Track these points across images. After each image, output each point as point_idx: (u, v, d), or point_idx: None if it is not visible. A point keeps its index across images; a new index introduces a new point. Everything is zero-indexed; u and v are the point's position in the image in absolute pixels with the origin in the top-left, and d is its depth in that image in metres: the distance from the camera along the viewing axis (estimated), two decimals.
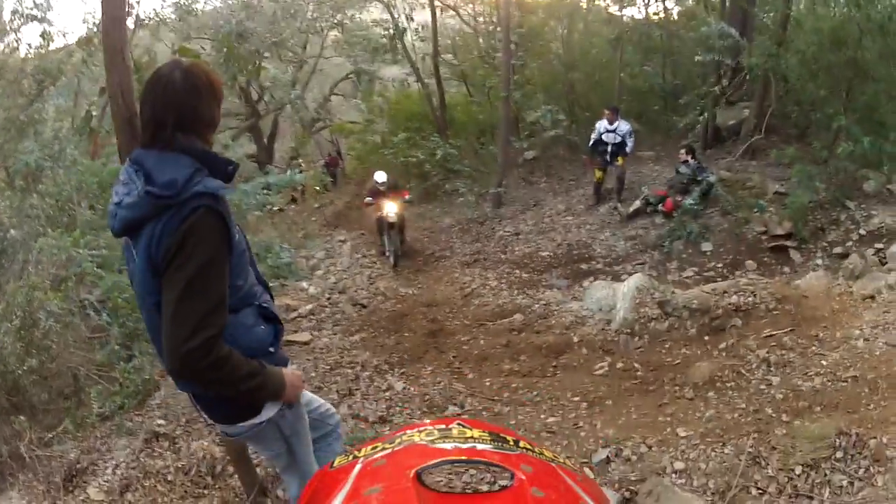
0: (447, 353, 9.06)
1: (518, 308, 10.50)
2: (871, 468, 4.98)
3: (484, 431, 1.73)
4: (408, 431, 1.78)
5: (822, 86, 13.47)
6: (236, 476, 5.08)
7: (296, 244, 11.22)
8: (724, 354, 7.80)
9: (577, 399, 7.46)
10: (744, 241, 12.49)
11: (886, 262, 9.87)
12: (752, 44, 15.19)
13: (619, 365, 8.06)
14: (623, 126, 14.90)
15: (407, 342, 8.41)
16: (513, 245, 14.45)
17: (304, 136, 27.34)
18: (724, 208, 13.22)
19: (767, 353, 7.43)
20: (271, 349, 2.85)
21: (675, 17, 20.46)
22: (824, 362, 7.02)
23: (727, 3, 16.92)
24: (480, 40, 23.31)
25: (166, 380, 6.34)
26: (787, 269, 11.27)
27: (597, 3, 22.24)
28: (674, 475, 5.35)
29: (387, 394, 6.94)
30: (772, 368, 7.16)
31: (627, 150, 15.01)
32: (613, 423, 6.57)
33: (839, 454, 5.15)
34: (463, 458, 1.66)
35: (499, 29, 20.51)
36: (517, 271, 13.14)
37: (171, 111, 2.53)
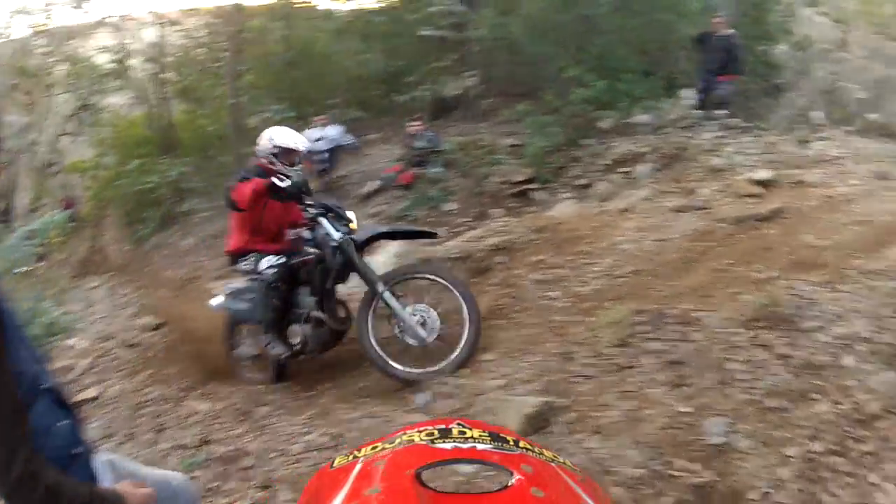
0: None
1: None
2: (682, 330, 5.35)
3: (484, 431, 1.71)
4: (408, 431, 1.74)
5: (552, 44, 14.21)
6: None
7: (56, 301, 10.38)
8: (498, 287, 7.85)
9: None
10: (486, 194, 12.90)
11: (636, 182, 10.62)
12: (479, 14, 15.72)
13: None
14: (335, 131, 15.29)
15: (191, 365, 8.03)
16: None
17: (41, 183, 25.03)
18: (461, 170, 13.67)
19: (541, 275, 7.68)
20: (76, 450, 2.16)
21: (397, 2, 20.54)
22: (598, 268, 7.45)
23: None
24: (204, 52, 22.48)
25: None
26: (534, 207, 11.72)
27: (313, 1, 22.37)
28: (497, 391, 5.39)
29: (195, 417, 6.66)
30: (549, 286, 7.39)
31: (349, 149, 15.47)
32: None
33: (645, 328, 5.47)
34: (463, 458, 1.62)
35: (220, 38, 19.97)
36: None
37: None
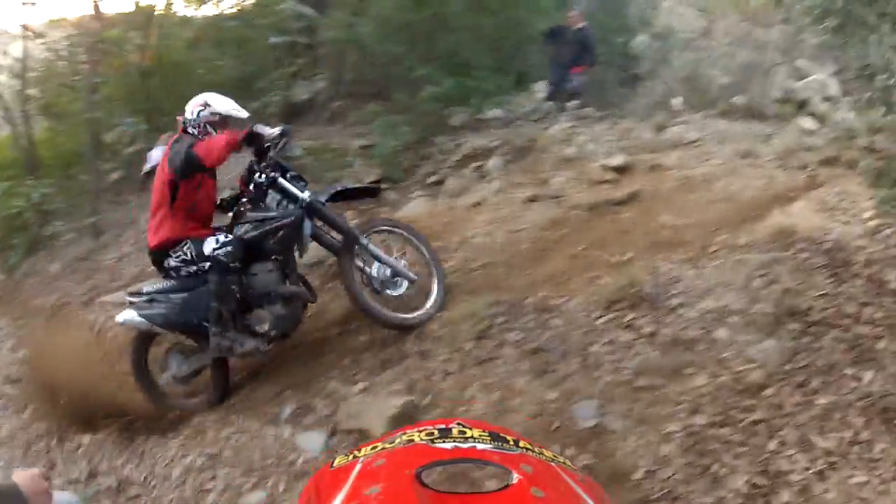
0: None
1: None
2: (541, 317, 5.47)
3: (484, 431, 1.68)
4: (408, 431, 1.72)
5: (401, 43, 14.01)
6: None
7: None
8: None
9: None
10: None
11: (487, 176, 10.37)
12: (329, 17, 15.44)
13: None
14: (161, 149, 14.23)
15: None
16: (121, 270, 13.72)
17: None
18: (312, 174, 12.99)
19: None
20: None
21: (250, 7, 20.17)
22: (451, 263, 7.22)
23: None
24: (64, 65, 21.55)
25: None
26: (386, 207, 11.42)
27: (172, 9, 21.53)
28: (360, 395, 5.43)
29: (83, 449, 6.40)
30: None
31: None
32: (281, 385, 6.21)
33: (502, 319, 5.53)
34: (463, 457, 1.59)
35: (79, 50, 19.24)
36: None
37: None
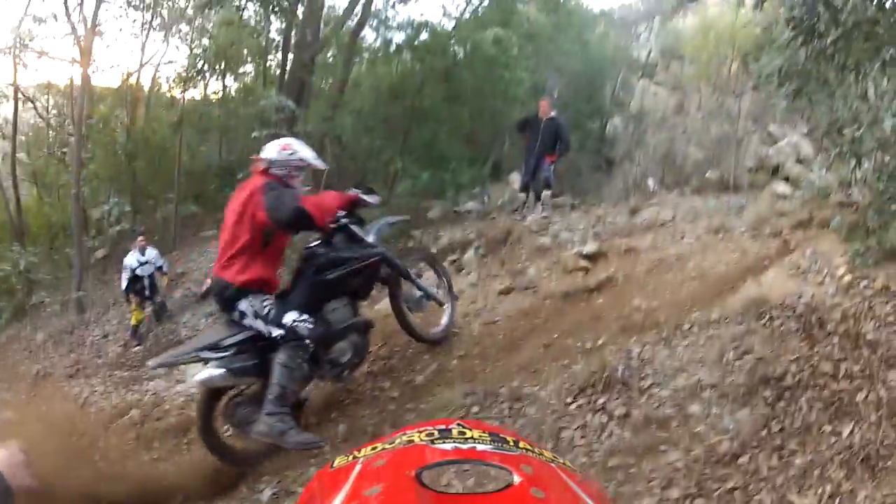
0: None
1: (131, 404, 9.79)
2: (515, 406, 5.49)
3: (484, 432, 1.62)
4: (407, 432, 1.64)
5: (379, 136, 14.49)
6: None
7: None
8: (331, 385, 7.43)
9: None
10: None
11: (464, 269, 10.55)
12: (308, 111, 15.69)
13: None
14: (152, 253, 14.53)
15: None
16: (106, 348, 14.33)
17: None
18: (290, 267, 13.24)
19: (371, 367, 7.44)
20: None
21: (234, 94, 20.37)
22: (427, 356, 7.31)
23: (286, 75, 17.29)
24: (52, 134, 21.68)
25: None
26: (364, 302, 11.41)
27: (160, 89, 21.83)
28: None
29: None
30: (380, 377, 7.22)
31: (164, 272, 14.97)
32: (261, 467, 6.08)
33: (475, 408, 5.56)
34: (463, 458, 1.52)
35: (68, 122, 19.48)
36: (117, 371, 12.88)
37: None
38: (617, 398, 5.15)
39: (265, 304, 5.62)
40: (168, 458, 7.53)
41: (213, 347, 5.68)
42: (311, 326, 5.64)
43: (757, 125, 18.65)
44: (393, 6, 16.03)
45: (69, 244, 18.46)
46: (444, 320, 7.27)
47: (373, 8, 15.68)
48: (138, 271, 14.09)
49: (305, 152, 6.00)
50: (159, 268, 14.68)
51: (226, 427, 6.16)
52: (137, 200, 19.26)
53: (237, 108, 19.21)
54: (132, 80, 19.92)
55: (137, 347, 14.29)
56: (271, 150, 5.92)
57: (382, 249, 6.30)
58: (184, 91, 19.97)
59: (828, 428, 4.52)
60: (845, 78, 6.64)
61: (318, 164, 6.15)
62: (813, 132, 15.85)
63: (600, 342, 6.32)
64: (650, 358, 5.59)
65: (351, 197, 5.98)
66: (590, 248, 9.45)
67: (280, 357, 5.53)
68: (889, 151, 6.42)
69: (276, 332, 5.56)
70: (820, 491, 4.04)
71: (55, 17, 17.39)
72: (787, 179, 14.52)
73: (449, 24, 15.96)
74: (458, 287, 8.98)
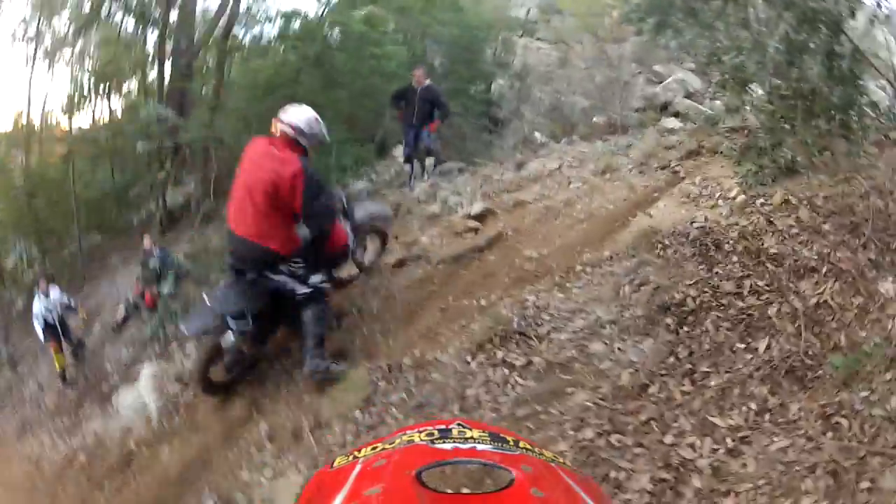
0: None
1: (77, 449, 9.77)
2: (419, 374, 5.56)
3: (484, 432, 1.58)
4: (408, 432, 1.59)
5: (258, 131, 14.01)
6: None
7: None
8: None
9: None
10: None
11: None
12: (189, 120, 15.60)
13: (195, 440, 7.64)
14: (55, 294, 13.99)
15: None
16: (44, 398, 13.89)
17: None
18: (197, 279, 13.13)
19: (276, 361, 7.61)
20: None
21: (119, 115, 20.02)
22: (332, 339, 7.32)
23: (165, 86, 17.11)
24: None
25: None
26: None
27: (50, 122, 21.44)
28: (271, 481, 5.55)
29: None
30: (283, 359, 7.46)
31: (74, 321, 14.41)
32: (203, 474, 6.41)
33: (382, 384, 5.65)
34: (463, 458, 1.46)
35: None
36: (58, 419, 12.31)
37: None
38: (517, 348, 5.15)
39: (300, 266, 6.34)
40: (117, 494, 7.64)
41: (239, 316, 6.44)
42: (329, 286, 6.76)
43: (642, 67, 19.04)
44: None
45: None
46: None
47: (242, 5, 15.68)
48: (45, 317, 13.55)
49: (325, 128, 6.48)
50: (68, 306, 14.14)
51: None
52: (43, 241, 18.94)
53: (122, 127, 18.83)
54: (23, 119, 19.50)
55: (70, 391, 13.70)
56: (300, 118, 6.20)
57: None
58: (70, 119, 19.65)
59: (740, 346, 4.61)
60: (725, 7, 6.68)
61: (327, 140, 6.70)
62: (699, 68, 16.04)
63: (494, 297, 6.39)
64: (545, 305, 5.59)
65: (350, 253, 7.16)
66: (477, 208, 9.43)
67: (310, 311, 6.44)
68: (779, 75, 6.45)
69: (303, 290, 6.39)
70: (745, 409, 4.11)
71: None
72: (676, 115, 14.68)
73: (321, 10, 15.90)
74: (352, 267, 8.84)
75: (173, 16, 17.30)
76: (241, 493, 5.54)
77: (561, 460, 1.59)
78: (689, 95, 16.67)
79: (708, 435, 3.97)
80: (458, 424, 1.63)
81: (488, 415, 4.67)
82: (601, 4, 21.85)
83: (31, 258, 17.34)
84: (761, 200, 6.04)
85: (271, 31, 15.89)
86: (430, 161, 13.05)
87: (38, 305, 13.56)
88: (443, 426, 1.62)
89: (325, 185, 6.36)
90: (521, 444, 1.58)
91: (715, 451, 3.86)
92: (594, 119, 15.41)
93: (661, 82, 17.33)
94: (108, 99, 19.76)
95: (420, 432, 1.58)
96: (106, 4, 17.13)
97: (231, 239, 6.43)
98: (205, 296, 7.07)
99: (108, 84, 18.65)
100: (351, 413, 5.48)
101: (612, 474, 3.85)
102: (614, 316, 5.14)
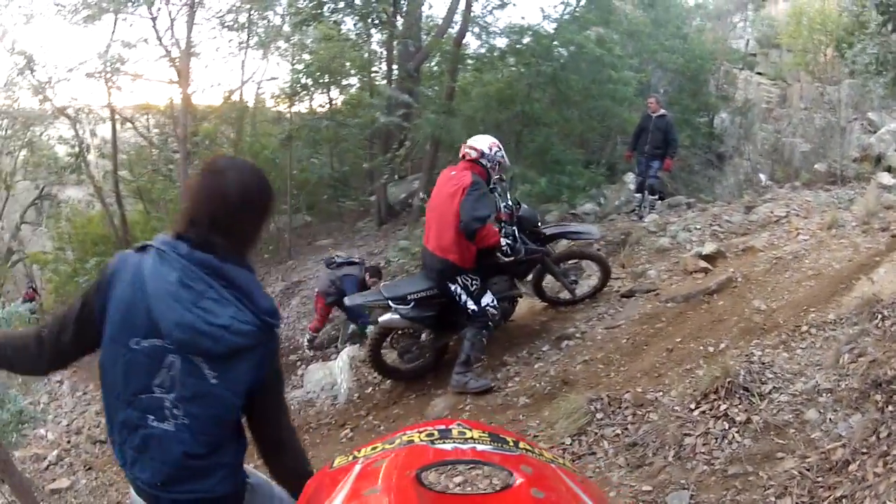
0: None
1: None
2: (638, 412, 5.42)
3: (484, 432, 1.71)
4: (408, 432, 1.74)
5: None
6: None
7: (21, 391, 10.03)
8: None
9: None
10: None
11: (584, 271, 10.08)
12: (422, 105, 16.04)
13: (364, 426, 7.87)
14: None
15: None
16: None
17: (2, 270, 24.79)
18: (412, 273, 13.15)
19: (496, 372, 7.67)
20: None
21: (341, 107, 20.48)
22: (554, 358, 7.56)
23: (393, 85, 17.39)
24: (156, 152, 22.13)
25: None
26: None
27: (264, 104, 22.23)
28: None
29: None
30: (506, 382, 7.42)
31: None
32: None
33: (599, 415, 5.51)
34: (463, 458, 1.65)
35: (171, 140, 19.76)
36: None
37: (249, 220, 2.46)
38: (739, 404, 5.02)
39: (474, 282, 7.03)
40: None
41: (400, 299, 7.22)
42: (497, 312, 7.19)
43: (857, 112, 18.15)
44: (491, 12, 16.03)
45: None
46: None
47: (472, 14, 15.64)
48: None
49: (505, 154, 7.29)
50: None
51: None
52: None
53: (345, 119, 19.20)
54: (234, 98, 20.15)
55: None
56: (483, 144, 7.14)
57: (545, 250, 8.02)
58: (290, 106, 20.12)
59: None
60: None
61: (507, 163, 7.41)
62: None
63: (722, 346, 6.32)
64: (770, 362, 5.50)
65: (505, 249, 7.24)
66: (709, 248, 9.43)
67: (469, 332, 7.12)
68: None
69: (472, 307, 7.04)
70: None
71: (146, 41, 17.48)
72: (889, 169, 14.05)
73: (550, 27, 15.69)
74: (579, 291, 9.10)
75: (398, 20, 17.73)
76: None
77: (561, 461, 1.71)
78: None
79: None
80: (458, 424, 1.74)
81: (701, 468, 4.51)
82: (816, 41, 21.04)
83: None
84: None
85: (502, 44, 15.80)
86: (650, 198, 12.99)
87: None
88: (443, 426, 1.72)
89: (486, 196, 6.87)
90: (522, 445, 1.67)
91: None
92: (815, 166, 14.90)
93: (875, 131, 16.54)
94: (328, 91, 20.20)
95: (420, 432, 1.69)
96: (329, 3, 17.69)
97: (422, 252, 7.41)
98: (381, 285, 8.30)
99: (329, 78, 19.03)
100: (561, 438, 5.43)
101: None
102: (832, 385, 4.94)
